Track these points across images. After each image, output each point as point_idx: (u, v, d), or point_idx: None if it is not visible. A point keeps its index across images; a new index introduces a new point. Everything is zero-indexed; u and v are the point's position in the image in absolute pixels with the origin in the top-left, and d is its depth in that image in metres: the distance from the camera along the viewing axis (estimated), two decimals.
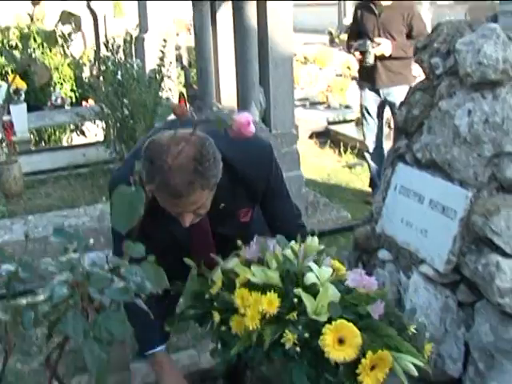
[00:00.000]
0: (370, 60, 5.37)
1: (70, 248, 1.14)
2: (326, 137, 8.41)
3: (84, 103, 10.16)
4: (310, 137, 8.49)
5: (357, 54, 5.47)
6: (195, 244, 2.46)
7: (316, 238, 2.28)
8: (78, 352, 2.91)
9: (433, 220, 2.36)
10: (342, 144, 7.84)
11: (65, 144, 8.75)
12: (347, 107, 9.55)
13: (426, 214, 2.40)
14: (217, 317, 2.18)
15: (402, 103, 2.67)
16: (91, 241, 1.13)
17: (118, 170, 2.51)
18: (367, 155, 5.91)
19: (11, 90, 8.47)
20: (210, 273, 2.37)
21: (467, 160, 2.23)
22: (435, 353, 2.26)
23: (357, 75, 6.26)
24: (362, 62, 5.50)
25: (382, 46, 5.32)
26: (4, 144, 6.87)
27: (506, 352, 2.05)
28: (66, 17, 1.52)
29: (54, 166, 7.18)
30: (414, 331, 2.06)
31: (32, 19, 1.56)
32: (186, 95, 7.76)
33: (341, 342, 1.90)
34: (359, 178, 6.80)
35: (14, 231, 5.02)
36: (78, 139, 8.60)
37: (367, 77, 5.59)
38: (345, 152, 7.68)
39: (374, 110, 5.75)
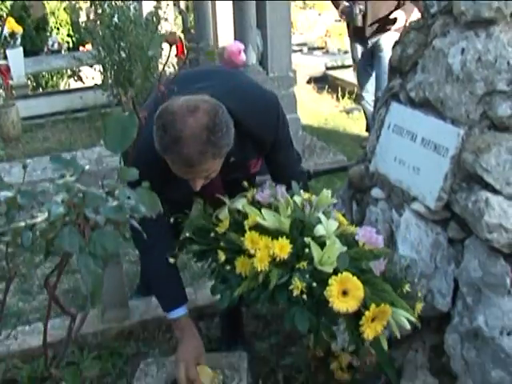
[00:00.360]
0: (358, 23, 5.35)
1: (67, 174, 1.17)
2: (324, 82, 8.39)
3: (81, 48, 10.08)
4: (308, 82, 8.48)
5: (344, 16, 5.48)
6: (207, 196, 2.47)
7: (329, 192, 2.30)
8: (77, 290, 2.99)
9: (425, 158, 2.39)
10: (339, 89, 7.83)
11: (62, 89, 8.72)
12: (346, 52, 9.48)
13: (419, 152, 2.43)
14: (222, 256, 2.21)
15: (396, 42, 2.68)
16: (87, 167, 1.17)
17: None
18: (363, 102, 5.88)
19: (7, 34, 8.40)
20: (214, 210, 2.41)
21: (459, 98, 2.25)
22: (425, 288, 2.32)
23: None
24: (348, 23, 5.52)
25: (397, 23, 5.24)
26: (1, 88, 6.86)
27: (493, 286, 2.09)
28: None
29: (51, 110, 7.19)
30: (409, 289, 2.13)
31: None
32: (183, 39, 7.70)
33: (344, 293, 1.97)
34: (356, 123, 6.81)
35: (13, 174, 5.06)
36: (75, 85, 8.56)
37: (355, 33, 5.55)
38: (342, 97, 7.68)
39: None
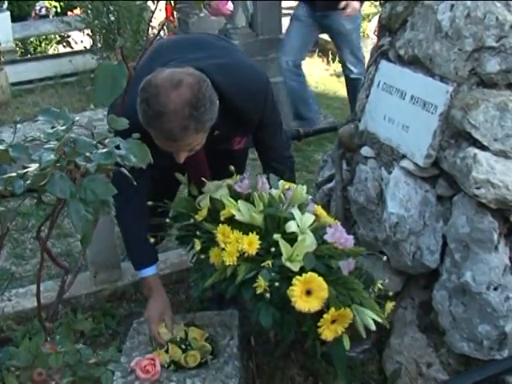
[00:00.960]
0: None
1: (57, 126, 1.18)
2: (314, 45, 8.32)
3: (69, 13, 9.97)
4: None
5: None
6: (190, 170, 2.51)
7: (305, 187, 2.30)
8: (70, 254, 3.00)
9: (414, 115, 2.40)
10: (330, 53, 7.78)
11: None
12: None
13: (408, 110, 2.44)
14: (198, 245, 2.25)
15: (385, 0, 2.67)
16: (77, 118, 1.18)
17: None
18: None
19: None
20: (198, 188, 2.43)
21: (448, 55, 2.26)
22: (414, 245, 2.34)
23: None
24: None
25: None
26: None
27: (481, 242, 2.12)
28: None
29: (40, 75, 7.12)
30: (381, 287, 2.17)
31: None
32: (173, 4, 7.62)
33: (308, 293, 1.98)
34: None
35: (3, 139, 5.03)
36: (64, 50, 8.48)
37: None
38: (333, 61, 7.64)
39: None
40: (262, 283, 2.00)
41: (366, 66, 3.04)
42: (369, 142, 2.65)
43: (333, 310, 1.97)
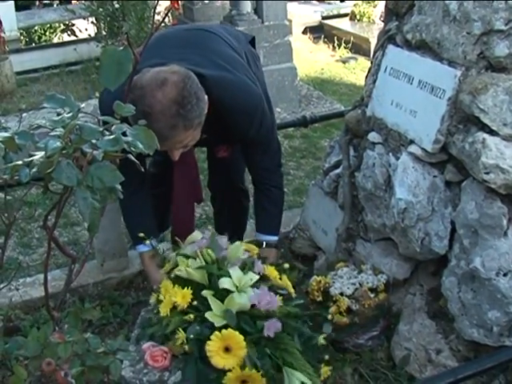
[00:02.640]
0: None
1: (63, 113, 1.17)
2: (320, 31, 8.30)
3: (73, 1, 9.93)
4: (304, 32, 8.38)
5: None
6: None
7: (241, 245, 2.36)
8: (77, 243, 3.00)
9: (422, 100, 2.38)
10: (336, 39, 7.75)
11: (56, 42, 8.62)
12: (342, 1, 9.37)
13: (416, 95, 2.41)
14: (152, 298, 2.33)
15: None
16: (82, 105, 1.16)
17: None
18: None
19: None
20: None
21: (456, 39, 2.23)
22: (422, 231, 2.33)
23: None
24: None
25: None
26: None
27: (490, 227, 2.11)
28: None
29: (45, 64, 7.12)
30: (323, 342, 2.18)
31: None
32: None
33: (227, 350, 2.01)
34: (352, 72, 6.78)
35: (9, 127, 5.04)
36: (68, 39, 8.46)
37: None
38: (339, 47, 7.62)
39: None
40: (181, 335, 2.06)
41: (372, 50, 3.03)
42: (376, 127, 2.63)
43: (237, 369, 1.99)
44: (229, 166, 2.88)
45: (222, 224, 3.16)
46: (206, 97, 2.18)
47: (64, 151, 0.92)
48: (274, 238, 2.77)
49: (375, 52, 2.77)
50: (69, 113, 1.13)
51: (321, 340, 2.18)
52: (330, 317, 2.40)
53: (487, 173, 2.06)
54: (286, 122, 4.13)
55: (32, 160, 0.99)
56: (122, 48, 1.04)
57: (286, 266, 2.44)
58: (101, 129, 0.96)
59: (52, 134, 1.00)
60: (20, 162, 1.08)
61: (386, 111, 2.57)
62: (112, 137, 0.95)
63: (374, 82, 2.69)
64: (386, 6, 2.74)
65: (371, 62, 2.85)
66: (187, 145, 2.22)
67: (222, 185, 3.00)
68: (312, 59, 7.30)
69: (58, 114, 1.17)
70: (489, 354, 2.15)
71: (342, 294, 2.47)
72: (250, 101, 2.41)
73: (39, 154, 1.04)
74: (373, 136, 2.63)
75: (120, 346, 1.36)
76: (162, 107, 2.02)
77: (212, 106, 2.23)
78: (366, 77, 2.85)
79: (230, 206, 3.10)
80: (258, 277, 2.22)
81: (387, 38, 2.65)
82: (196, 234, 2.47)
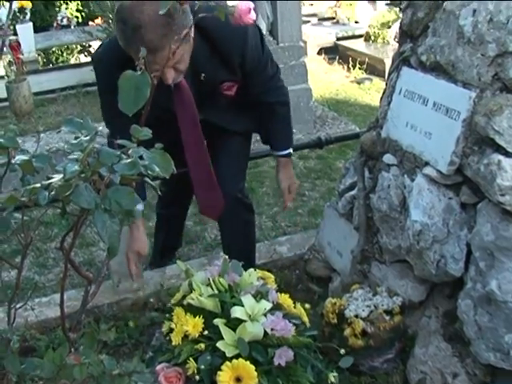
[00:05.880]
0: None
1: (81, 136, 1.18)
2: (334, 52, 8.34)
3: (90, 23, 10.04)
4: (319, 53, 8.43)
5: None
6: (181, 118, 2.59)
7: (254, 273, 2.36)
8: (92, 263, 3.02)
9: (436, 122, 2.38)
10: (350, 59, 7.79)
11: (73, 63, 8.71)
12: (356, 22, 9.41)
13: (430, 117, 2.42)
14: (165, 327, 2.34)
15: (407, 5, 2.65)
16: (100, 128, 1.18)
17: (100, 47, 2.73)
18: None
19: (16, 9, 8.38)
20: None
21: (471, 60, 2.24)
22: (438, 254, 2.32)
23: None
24: None
25: None
26: (12, 63, 6.86)
27: (506, 250, 2.09)
28: None
29: (62, 84, 7.19)
30: (333, 380, 2.18)
31: None
32: None
33: (238, 380, 2.02)
34: (367, 93, 6.79)
35: (26, 149, 5.08)
36: (85, 60, 8.55)
37: None
38: (353, 67, 7.65)
39: None
40: (191, 365, 2.06)
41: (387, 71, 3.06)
42: (391, 149, 2.63)
43: None
44: (225, 168, 2.86)
45: (225, 244, 3.13)
46: (192, 23, 2.23)
47: (82, 175, 0.94)
48: (289, 151, 2.95)
49: (390, 74, 2.78)
50: (86, 136, 1.15)
51: (331, 378, 2.17)
52: (343, 351, 2.37)
53: (503, 195, 2.05)
54: (301, 144, 4.13)
55: (50, 183, 1.01)
56: (139, 73, 1.05)
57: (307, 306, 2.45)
58: (118, 152, 0.98)
59: (70, 157, 1.01)
60: (38, 185, 1.10)
61: (401, 133, 2.57)
62: (129, 161, 0.97)
63: (389, 103, 2.69)
64: (400, 27, 2.75)
65: (386, 84, 2.85)
66: (178, 67, 2.31)
67: None
68: (327, 80, 7.33)
69: (76, 137, 1.19)
70: (506, 378, 2.13)
71: (356, 316, 2.46)
72: (238, 29, 2.48)
73: (57, 177, 1.06)
74: (388, 158, 2.63)
75: (135, 368, 1.36)
76: (150, 18, 2.10)
77: (203, 39, 2.37)
78: (381, 98, 2.86)
79: (229, 220, 3.00)
80: (271, 305, 2.22)
81: (402, 60, 2.66)
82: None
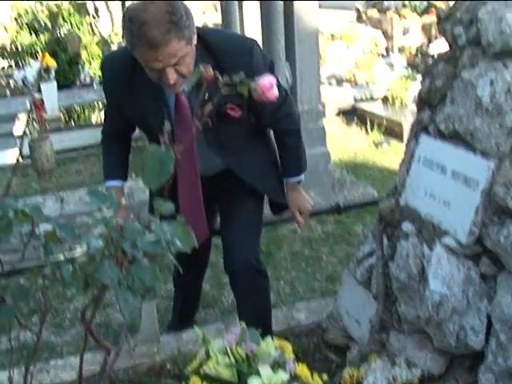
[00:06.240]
0: None
1: (104, 208, 1.20)
2: (352, 115, 8.40)
3: None
4: (337, 114, 8.50)
5: None
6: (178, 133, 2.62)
7: (273, 342, 2.35)
8: (109, 325, 3.01)
9: (455, 191, 2.38)
10: (368, 122, 7.84)
11: (94, 122, 8.85)
12: (374, 84, 9.52)
13: (449, 186, 2.42)
14: None
15: (424, 74, 2.69)
16: (123, 201, 1.20)
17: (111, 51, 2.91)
18: None
19: (42, 69, 8.59)
20: None
21: (489, 130, 2.25)
22: (458, 325, 2.29)
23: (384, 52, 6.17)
24: None
25: None
26: (35, 122, 6.99)
27: None
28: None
29: (84, 143, 7.29)
30: None
31: None
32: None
33: None
34: (386, 156, 6.82)
35: (47, 207, 5.14)
36: None
37: None
38: (372, 130, 7.68)
39: None
40: None
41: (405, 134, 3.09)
42: (410, 217, 2.63)
43: None
44: (239, 233, 2.88)
45: (240, 311, 3.10)
46: (196, 36, 2.44)
47: (106, 251, 0.95)
48: (299, 178, 2.99)
49: (408, 141, 2.80)
50: (109, 206, 1.17)
51: None
52: None
53: None
54: (319, 209, 4.13)
55: (74, 259, 1.02)
56: (163, 148, 1.08)
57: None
58: (141, 228, 0.99)
59: (94, 231, 1.03)
60: (62, 258, 1.11)
61: (420, 201, 2.57)
62: (153, 239, 0.98)
63: (408, 171, 2.71)
64: (419, 95, 2.79)
65: (405, 151, 2.87)
66: (179, 69, 2.38)
67: (234, 263, 2.91)
68: (345, 142, 7.38)
69: (99, 209, 1.20)
70: None
71: None
72: (243, 39, 2.73)
73: (80, 250, 1.07)
74: (406, 226, 2.63)
75: None
76: (154, 15, 2.28)
77: (207, 53, 2.50)
78: (400, 165, 2.87)
79: (244, 288, 2.99)
80: (288, 376, 2.20)
81: (420, 128, 2.68)
82: None
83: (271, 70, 2.71)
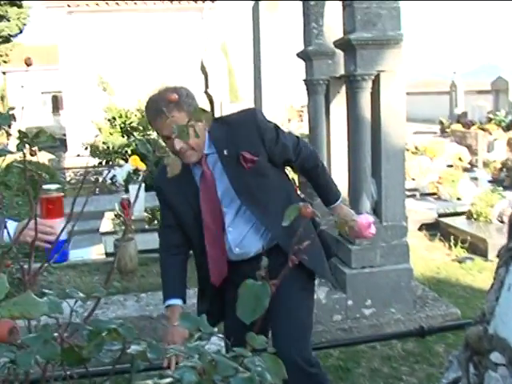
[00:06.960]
0: None
1: (195, 334, 1.22)
2: (435, 229, 8.30)
3: None
4: (420, 229, 8.41)
5: None
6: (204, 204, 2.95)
7: None
8: None
9: None
10: (452, 237, 7.71)
11: None
12: (458, 199, 9.44)
13: None
14: None
15: None
16: (215, 329, 1.21)
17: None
18: None
19: (131, 171, 8.91)
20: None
21: None
22: None
23: (468, 166, 6.14)
24: None
25: None
26: (122, 222, 7.18)
27: None
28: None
29: None
30: None
31: None
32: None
33: None
34: (469, 273, 6.65)
35: (127, 307, 5.22)
36: None
37: None
38: (455, 245, 7.54)
39: None
40: None
41: (495, 267, 3.00)
42: (499, 347, 2.53)
43: None
44: (283, 331, 2.83)
45: None
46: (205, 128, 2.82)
47: None
48: (338, 202, 3.00)
49: (498, 268, 2.73)
50: (200, 335, 1.18)
51: None
52: None
53: None
54: (402, 332, 4.04)
55: None
56: (260, 283, 1.09)
57: None
58: (235, 365, 0.99)
59: (187, 362, 1.04)
60: (150, 383, 1.12)
61: (510, 332, 2.48)
62: (247, 376, 0.98)
63: (497, 299, 2.62)
64: (509, 221, 2.73)
65: (494, 278, 2.79)
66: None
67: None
68: (427, 257, 7.26)
69: (191, 335, 1.22)
70: None
71: None
72: (247, 110, 3.05)
73: (168, 381, 1.08)
74: (495, 356, 2.52)
75: None
76: (160, 93, 2.79)
77: (221, 124, 2.91)
78: (488, 292, 2.79)
79: None
80: None
81: (510, 256, 2.61)
82: None
83: (276, 128, 3.01)
